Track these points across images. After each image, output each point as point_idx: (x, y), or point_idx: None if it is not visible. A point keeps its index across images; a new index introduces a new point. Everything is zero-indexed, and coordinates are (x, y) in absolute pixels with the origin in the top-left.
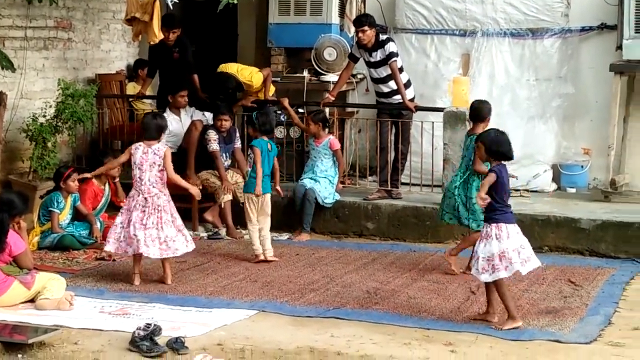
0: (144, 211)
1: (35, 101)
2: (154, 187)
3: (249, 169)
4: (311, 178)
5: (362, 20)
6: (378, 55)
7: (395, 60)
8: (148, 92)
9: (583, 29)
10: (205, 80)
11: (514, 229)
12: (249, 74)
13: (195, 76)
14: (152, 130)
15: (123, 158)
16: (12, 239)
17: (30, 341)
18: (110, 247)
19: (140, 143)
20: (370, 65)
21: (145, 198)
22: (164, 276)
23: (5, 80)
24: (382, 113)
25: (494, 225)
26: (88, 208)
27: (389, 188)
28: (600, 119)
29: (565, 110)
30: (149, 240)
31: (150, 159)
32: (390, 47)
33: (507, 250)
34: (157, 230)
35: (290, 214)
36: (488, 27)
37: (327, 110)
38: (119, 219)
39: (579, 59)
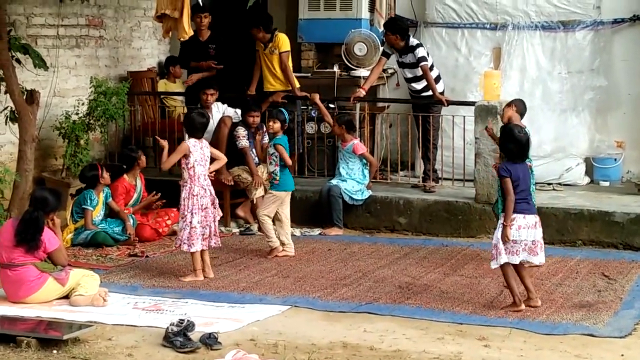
0: (214, 205)
1: (68, 99)
2: (208, 179)
3: (276, 168)
4: (338, 179)
5: (386, 25)
6: (408, 58)
7: (426, 64)
8: (179, 89)
9: (615, 21)
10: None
11: (523, 221)
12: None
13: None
14: (200, 128)
15: (178, 156)
16: (46, 235)
17: (65, 337)
18: (196, 247)
19: (194, 140)
20: (402, 65)
21: (210, 191)
22: (207, 270)
23: (38, 79)
24: (416, 108)
25: (502, 214)
26: (120, 205)
27: (421, 183)
28: (634, 112)
29: (598, 103)
30: (214, 230)
31: (206, 154)
32: (420, 52)
33: (516, 239)
34: (215, 218)
35: (321, 210)
36: (519, 20)
37: (358, 105)
38: (195, 219)
39: (611, 52)
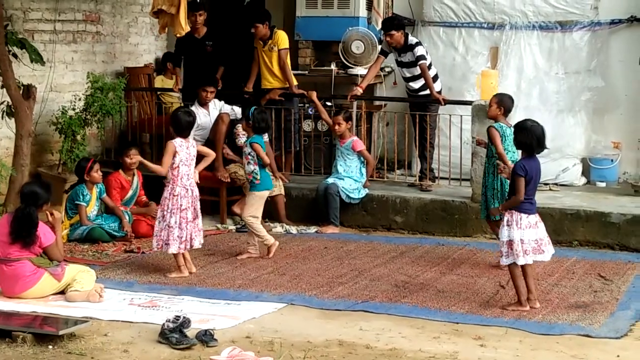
0: (194, 206)
1: (65, 94)
2: (192, 179)
3: (255, 167)
4: (335, 177)
5: (388, 25)
6: (407, 57)
7: (424, 62)
8: None
9: (613, 22)
10: (231, 74)
11: (526, 220)
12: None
13: (222, 68)
14: (187, 127)
15: (170, 157)
16: (41, 230)
17: (60, 332)
18: (174, 249)
19: (181, 140)
20: (400, 65)
21: (192, 191)
22: (189, 265)
23: (35, 74)
24: (413, 107)
25: (507, 213)
26: (115, 200)
27: (417, 182)
28: (630, 113)
29: (595, 104)
30: (197, 231)
31: (192, 153)
32: (419, 50)
33: (523, 238)
34: (197, 219)
35: (318, 208)
36: (516, 20)
37: (355, 103)
38: (172, 219)
39: (608, 52)
